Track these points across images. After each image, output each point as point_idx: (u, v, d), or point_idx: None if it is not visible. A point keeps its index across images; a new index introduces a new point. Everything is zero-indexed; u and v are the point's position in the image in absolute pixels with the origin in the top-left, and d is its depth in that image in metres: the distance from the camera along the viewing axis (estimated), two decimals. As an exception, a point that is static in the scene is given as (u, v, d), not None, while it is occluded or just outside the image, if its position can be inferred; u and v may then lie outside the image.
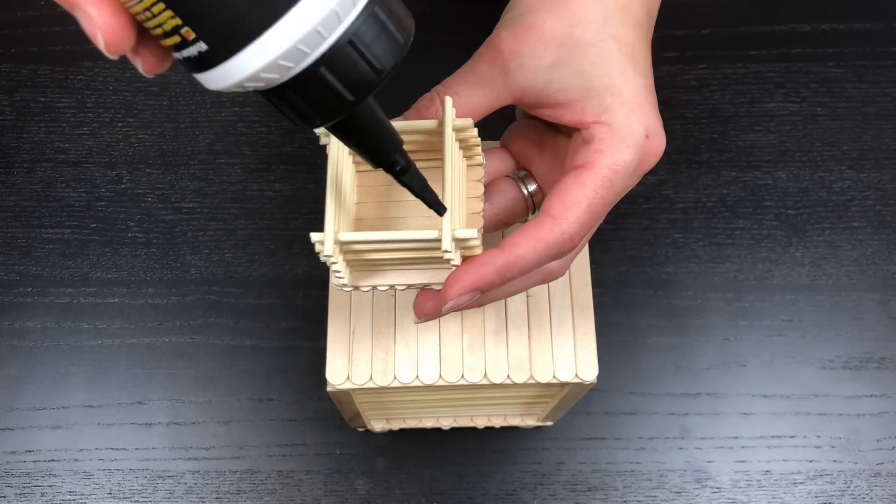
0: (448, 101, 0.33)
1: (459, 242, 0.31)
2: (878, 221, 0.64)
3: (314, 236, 0.31)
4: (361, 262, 0.33)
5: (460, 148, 0.34)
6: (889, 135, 0.66)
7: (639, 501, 0.57)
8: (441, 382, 0.42)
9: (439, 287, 0.34)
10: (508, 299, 0.43)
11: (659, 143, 0.34)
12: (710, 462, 0.58)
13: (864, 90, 0.67)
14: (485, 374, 0.42)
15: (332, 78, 0.24)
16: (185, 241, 0.63)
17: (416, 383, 0.42)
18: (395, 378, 0.42)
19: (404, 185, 0.30)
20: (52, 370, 0.60)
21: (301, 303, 0.61)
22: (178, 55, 0.24)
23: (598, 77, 0.33)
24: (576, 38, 0.33)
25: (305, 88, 0.24)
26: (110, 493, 0.57)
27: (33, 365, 0.60)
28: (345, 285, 0.33)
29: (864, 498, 0.57)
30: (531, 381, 0.42)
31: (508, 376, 0.42)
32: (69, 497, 0.57)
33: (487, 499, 0.57)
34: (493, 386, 0.43)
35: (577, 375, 0.42)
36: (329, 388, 0.42)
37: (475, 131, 0.33)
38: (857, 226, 0.64)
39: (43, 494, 0.57)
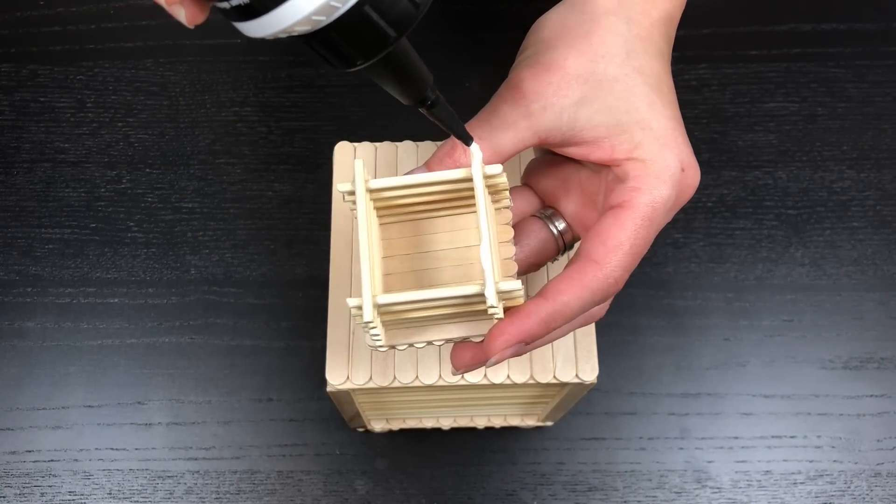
0: (475, 147, 0.32)
1: (503, 295, 0.30)
2: (878, 221, 0.64)
3: (351, 302, 0.30)
4: (398, 321, 0.32)
5: (489, 193, 0.33)
6: (889, 135, 0.66)
7: (639, 501, 0.57)
8: (441, 382, 0.42)
9: (478, 339, 0.33)
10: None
11: (694, 175, 0.33)
12: (710, 462, 0.58)
13: (864, 90, 0.67)
14: (485, 375, 0.42)
15: (377, 16, 0.25)
16: (184, 241, 0.63)
17: (416, 383, 0.42)
18: (395, 378, 0.42)
19: (435, 117, 0.30)
20: (51, 370, 0.60)
21: (301, 303, 0.61)
22: (225, 4, 0.24)
23: (625, 112, 0.32)
24: (600, 74, 0.32)
25: (349, 28, 0.25)
26: (110, 494, 0.57)
27: (33, 365, 0.60)
28: (381, 346, 0.32)
29: (864, 498, 0.57)
30: (531, 382, 0.42)
31: (508, 376, 0.42)
32: (69, 497, 0.57)
33: (487, 499, 0.57)
34: (493, 386, 0.43)
35: (577, 376, 0.42)
36: (329, 388, 0.42)
37: (504, 177, 0.32)
38: (857, 226, 0.64)
39: (43, 495, 0.57)
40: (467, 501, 0.57)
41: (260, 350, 0.60)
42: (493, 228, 0.32)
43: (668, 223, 0.64)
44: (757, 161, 0.65)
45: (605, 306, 0.35)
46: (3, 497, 0.57)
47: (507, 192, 0.33)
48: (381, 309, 0.30)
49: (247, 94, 0.67)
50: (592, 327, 0.43)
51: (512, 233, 0.33)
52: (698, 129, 0.66)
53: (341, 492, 0.57)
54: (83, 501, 0.57)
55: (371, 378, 0.42)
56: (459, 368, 0.33)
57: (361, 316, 0.30)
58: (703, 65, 0.68)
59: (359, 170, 0.31)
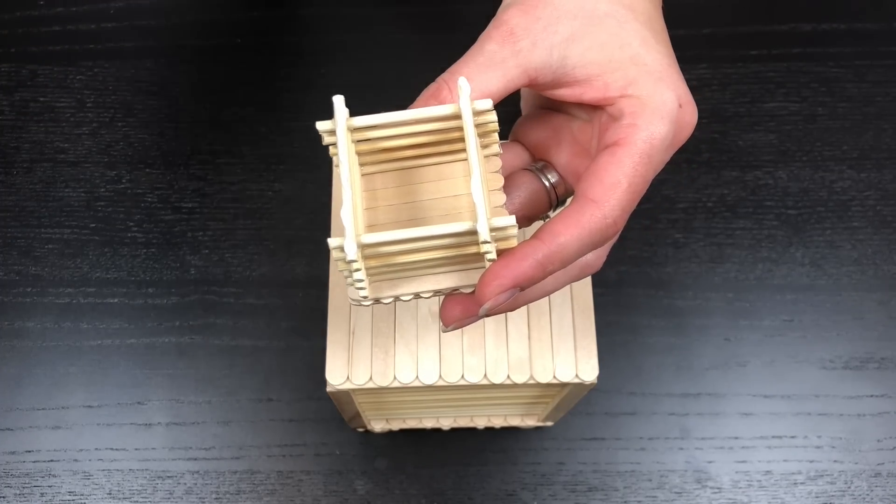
0: (463, 80, 0.29)
1: (496, 233, 0.28)
2: (878, 221, 0.64)
3: (332, 241, 0.28)
4: (382, 269, 0.30)
5: (478, 136, 0.31)
6: (890, 134, 0.66)
7: (639, 502, 0.57)
8: (441, 383, 0.42)
9: (469, 290, 0.31)
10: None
11: (692, 112, 0.32)
12: (710, 462, 0.58)
13: (864, 90, 0.67)
14: (485, 375, 0.42)
15: None
16: (184, 241, 0.63)
17: (416, 383, 0.42)
18: (395, 378, 0.42)
19: None
20: (51, 370, 0.60)
21: (301, 303, 0.61)
22: None
23: (618, 48, 0.31)
24: (590, 10, 0.31)
25: None
26: (110, 494, 0.57)
27: (33, 365, 0.60)
28: (365, 297, 0.30)
29: (864, 498, 0.57)
30: (531, 382, 0.42)
31: (508, 377, 0.42)
32: (69, 497, 0.57)
33: (487, 499, 0.57)
34: (493, 386, 0.43)
35: (577, 376, 0.42)
36: (329, 389, 0.42)
37: (494, 115, 0.30)
38: (857, 226, 0.64)
39: (42, 495, 0.57)
40: (467, 501, 0.57)
41: (260, 350, 0.60)
42: (483, 163, 0.30)
43: (668, 224, 0.64)
44: (757, 161, 0.65)
45: (601, 257, 0.34)
46: (3, 497, 0.57)
47: (497, 136, 0.31)
48: (366, 251, 0.28)
49: (247, 94, 0.67)
50: (592, 327, 0.43)
51: (502, 180, 0.31)
52: (698, 129, 0.66)
53: (341, 492, 0.57)
54: (83, 501, 0.57)
55: (371, 378, 0.42)
56: (449, 323, 0.32)
57: (344, 258, 0.28)
58: (703, 65, 0.68)
59: (339, 106, 0.30)
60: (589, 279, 0.44)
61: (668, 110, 0.31)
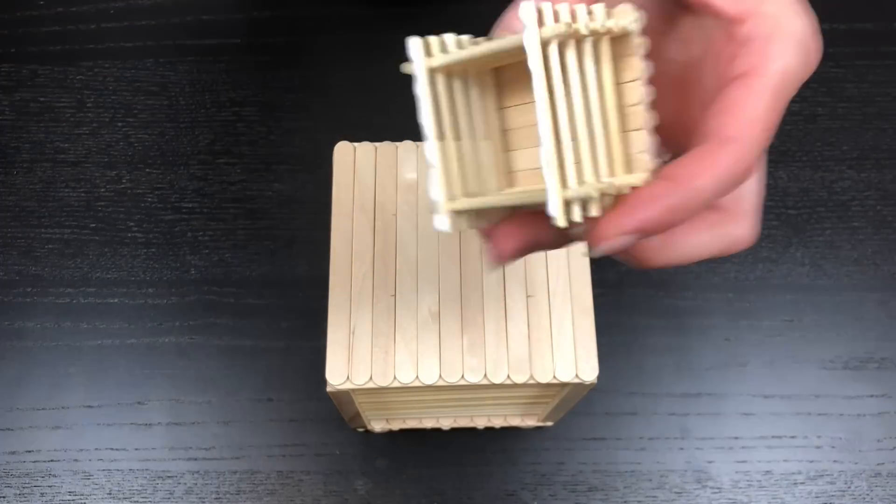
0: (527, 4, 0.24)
1: (605, 188, 0.24)
2: (878, 221, 0.64)
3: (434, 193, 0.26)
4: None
5: (609, 59, 0.25)
6: (890, 135, 0.66)
7: (639, 502, 0.57)
8: (441, 383, 0.42)
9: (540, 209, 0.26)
10: (507, 299, 0.43)
11: (818, 47, 0.28)
12: (710, 462, 0.58)
13: (864, 90, 0.67)
14: (485, 375, 0.42)
15: None
16: (184, 241, 0.63)
17: (416, 383, 0.42)
18: (395, 378, 0.42)
19: None
20: (51, 370, 0.60)
21: (301, 303, 0.61)
22: None
23: None
24: None
25: None
26: (110, 494, 0.57)
27: (33, 365, 0.60)
28: (438, 201, 0.27)
29: (864, 498, 0.57)
30: (531, 382, 0.42)
31: (508, 376, 0.42)
32: (69, 497, 0.57)
33: (487, 499, 0.57)
34: (493, 386, 0.43)
35: (577, 376, 0.42)
36: (329, 389, 0.42)
37: (633, 18, 0.24)
38: (857, 226, 0.64)
39: (42, 495, 0.57)
40: (467, 501, 0.57)
41: (260, 350, 0.60)
42: (596, 105, 0.25)
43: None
44: (757, 161, 0.65)
45: (753, 234, 0.30)
46: (3, 497, 0.57)
47: (637, 49, 0.26)
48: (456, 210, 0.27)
49: (247, 94, 0.67)
50: (592, 327, 0.43)
51: (646, 117, 0.26)
52: (698, 129, 0.66)
53: (341, 492, 0.57)
54: (83, 501, 0.57)
55: (371, 378, 0.42)
56: (505, 255, 0.27)
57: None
58: (703, 65, 0.68)
59: (414, 48, 0.26)
60: (588, 279, 0.44)
61: (803, 41, 0.27)
